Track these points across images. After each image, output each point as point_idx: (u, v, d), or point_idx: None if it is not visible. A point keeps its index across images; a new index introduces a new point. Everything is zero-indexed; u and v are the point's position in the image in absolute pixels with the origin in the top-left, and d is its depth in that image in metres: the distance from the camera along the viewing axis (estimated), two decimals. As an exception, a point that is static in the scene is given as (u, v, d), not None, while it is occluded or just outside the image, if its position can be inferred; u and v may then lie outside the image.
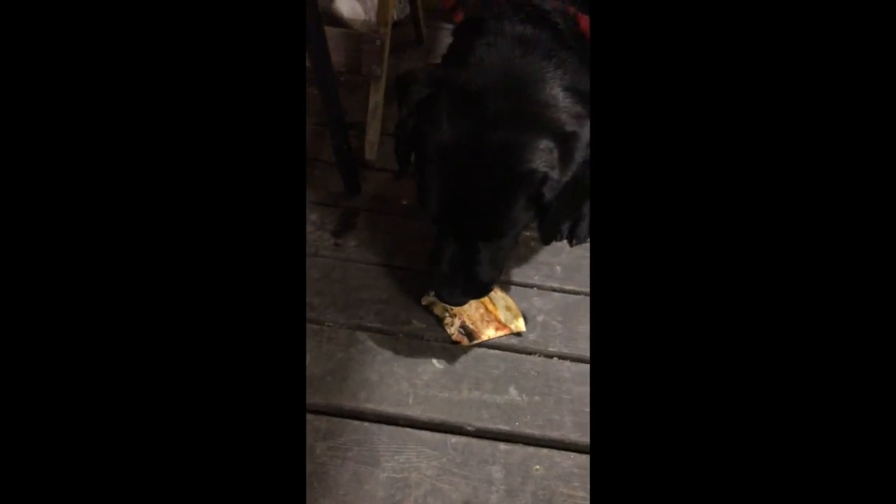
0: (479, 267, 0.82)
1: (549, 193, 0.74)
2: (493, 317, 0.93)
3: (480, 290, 0.85)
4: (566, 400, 0.87)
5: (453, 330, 0.92)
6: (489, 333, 0.92)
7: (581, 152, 0.74)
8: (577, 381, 0.89)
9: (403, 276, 1.02)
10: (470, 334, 0.92)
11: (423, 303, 0.96)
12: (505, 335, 0.93)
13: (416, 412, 0.84)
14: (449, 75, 0.75)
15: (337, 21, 1.48)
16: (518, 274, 1.03)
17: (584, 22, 0.76)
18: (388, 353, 0.90)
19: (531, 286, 1.02)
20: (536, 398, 0.86)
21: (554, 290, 1.02)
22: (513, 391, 0.87)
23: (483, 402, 0.85)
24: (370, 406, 0.84)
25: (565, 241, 1.09)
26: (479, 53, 0.74)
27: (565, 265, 1.05)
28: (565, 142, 0.73)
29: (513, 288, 1.01)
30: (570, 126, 0.73)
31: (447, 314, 0.93)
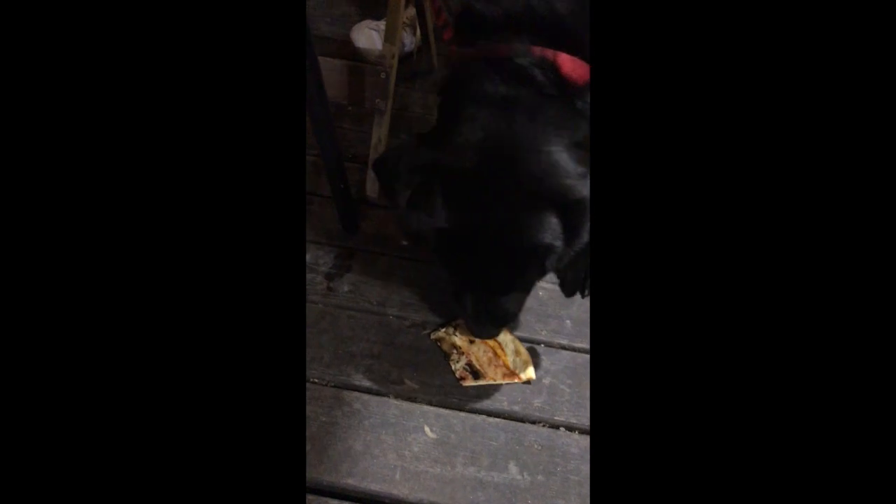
0: (502, 306, 0.82)
1: (551, 264, 0.71)
2: (502, 362, 0.87)
3: (506, 319, 0.85)
4: (573, 482, 0.77)
5: (458, 367, 0.87)
6: (496, 378, 0.86)
7: (589, 216, 0.71)
8: (585, 459, 0.79)
9: (398, 326, 0.94)
10: (476, 373, 0.86)
11: (432, 337, 0.91)
12: (513, 382, 0.86)
13: (402, 491, 0.75)
14: (438, 160, 0.72)
15: (353, 52, 1.42)
16: (524, 327, 0.95)
17: (567, 63, 0.71)
18: (376, 418, 0.82)
19: (538, 342, 0.93)
20: (539, 478, 0.77)
21: (563, 347, 0.93)
22: (513, 468, 0.78)
23: (479, 481, 0.76)
24: (352, 482, 0.75)
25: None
26: (464, 130, 0.71)
27: (576, 319, 0.97)
28: (570, 211, 0.69)
29: (517, 345, 0.92)
30: (575, 192, 0.69)
31: (454, 351, 0.88)
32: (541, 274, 0.73)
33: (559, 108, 0.70)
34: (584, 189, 0.69)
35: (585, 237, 0.70)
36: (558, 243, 0.69)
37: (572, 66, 0.70)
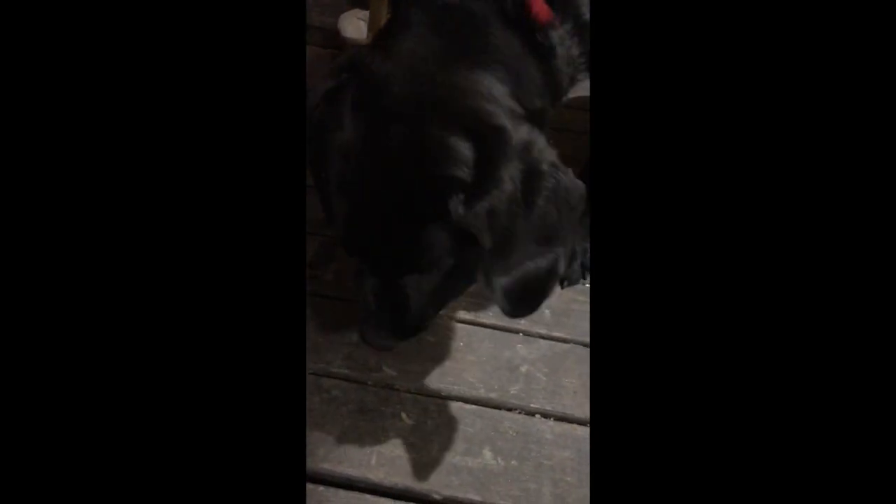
0: (407, 302, 0.65)
1: (458, 208, 0.55)
2: None
3: (408, 332, 0.69)
4: (546, 466, 0.79)
5: None
6: None
7: (511, 155, 0.56)
8: (558, 445, 0.81)
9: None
10: None
11: None
12: None
13: (378, 475, 0.76)
14: (359, 61, 0.60)
15: (341, 42, 1.42)
16: (503, 317, 0.95)
17: (536, 2, 0.62)
18: (353, 405, 0.83)
19: (516, 331, 0.94)
20: (513, 463, 0.79)
21: (541, 336, 0.94)
22: (487, 454, 0.79)
23: (454, 466, 0.78)
24: (327, 466, 0.76)
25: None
26: (399, 36, 0.60)
27: (555, 309, 0.98)
28: (486, 139, 0.55)
29: (496, 333, 0.93)
30: (494, 118, 0.56)
31: None
32: (445, 221, 0.56)
33: (512, 37, 0.61)
34: (505, 121, 0.56)
35: (506, 183, 0.55)
36: (465, 175, 0.54)
37: (540, 6, 0.63)
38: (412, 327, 0.69)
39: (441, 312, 0.75)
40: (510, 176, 0.56)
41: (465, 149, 0.56)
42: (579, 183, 0.62)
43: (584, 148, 0.98)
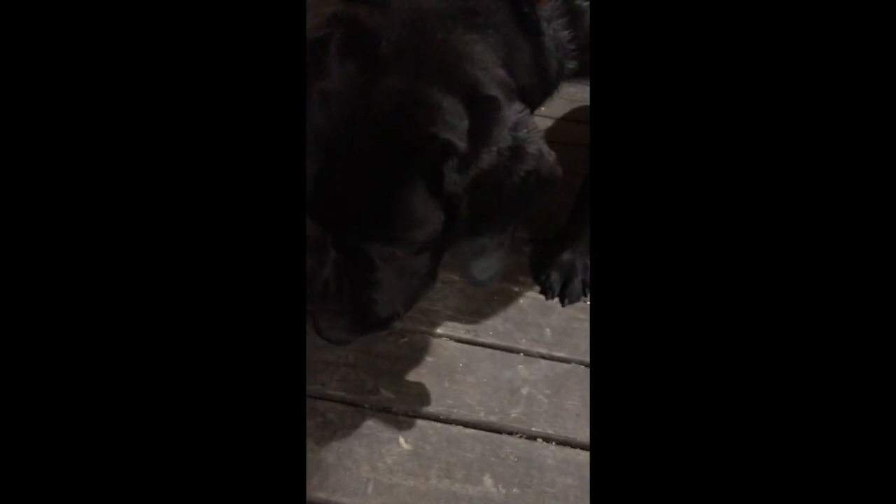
0: (375, 290, 0.60)
1: (452, 175, 0.54)
2: None
3: (372, 327, 0.63)
4: (548, 494, 0.76)
5: None
6: None
7: (503, 129, 0.55)
8: (561, 471, 0.78)
9: (375, 335, 0.92)
10: None
11: None
12: None
13: (374, 505, 0.73)
14: (349, 11, 0.58)
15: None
16: (503, 336, 0.94)
17: None
18: (349, 429, 0.80)
19: (517, 351, 0.92)
20: (515, 490, 0.76)
21: (542, 356, 0.92)
22: (488, 481, 0.77)
23: (453, 494, 0.75)
24: (322, 495, 0.74)
25: (556, 300, 0.99)
26: None
27: (556, 328, 0.96)
28: (480, 108, 0.54)
29: (496, 354, 0.91)
30: (490, 89, 0.55)
31: None
32: (429, 182, 0.54)
33: (510, 15, 0.59)
34: (499, 93, 0.56)
35: (493, 155, 0.55)
36: (460, 144, 0.53)
37: None
38: (375, 320, 0.64)
39: (408, 314, 0.69)
40: (499, 148, 0.56)
41: (460, 113, 0.54)
42: (558, 169, 0.61)
43: (582, 160, 0.98)
